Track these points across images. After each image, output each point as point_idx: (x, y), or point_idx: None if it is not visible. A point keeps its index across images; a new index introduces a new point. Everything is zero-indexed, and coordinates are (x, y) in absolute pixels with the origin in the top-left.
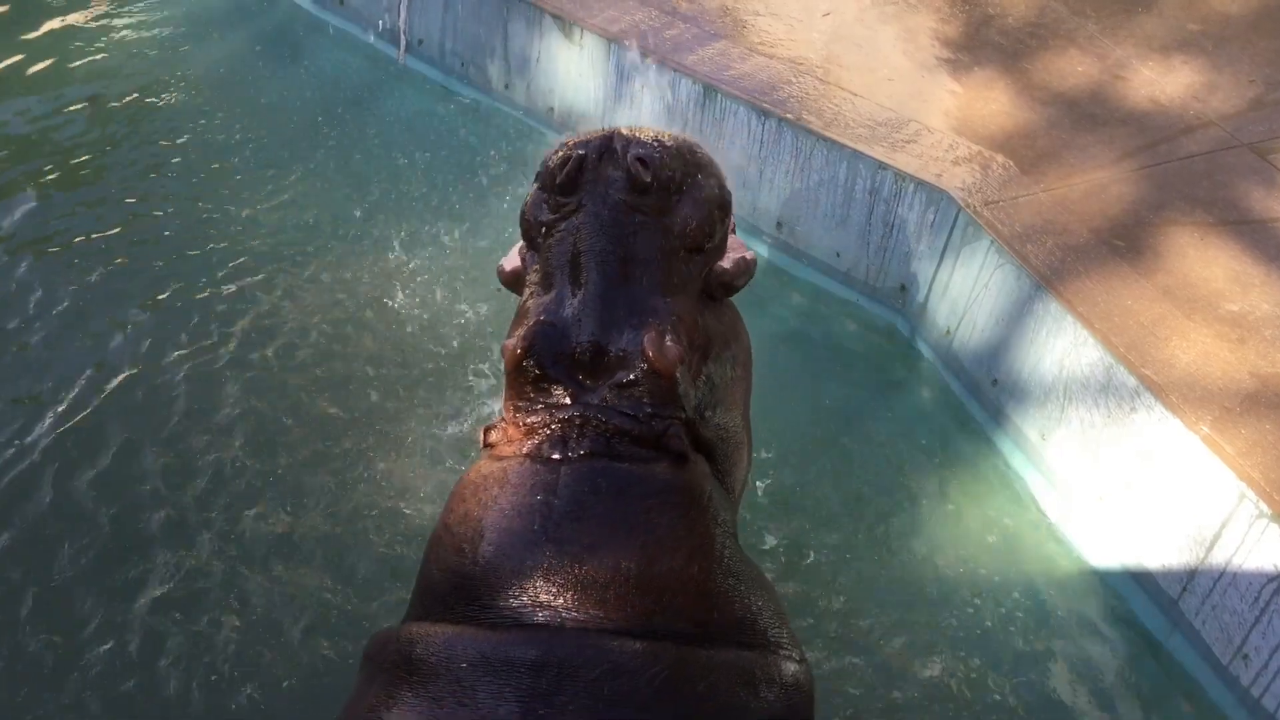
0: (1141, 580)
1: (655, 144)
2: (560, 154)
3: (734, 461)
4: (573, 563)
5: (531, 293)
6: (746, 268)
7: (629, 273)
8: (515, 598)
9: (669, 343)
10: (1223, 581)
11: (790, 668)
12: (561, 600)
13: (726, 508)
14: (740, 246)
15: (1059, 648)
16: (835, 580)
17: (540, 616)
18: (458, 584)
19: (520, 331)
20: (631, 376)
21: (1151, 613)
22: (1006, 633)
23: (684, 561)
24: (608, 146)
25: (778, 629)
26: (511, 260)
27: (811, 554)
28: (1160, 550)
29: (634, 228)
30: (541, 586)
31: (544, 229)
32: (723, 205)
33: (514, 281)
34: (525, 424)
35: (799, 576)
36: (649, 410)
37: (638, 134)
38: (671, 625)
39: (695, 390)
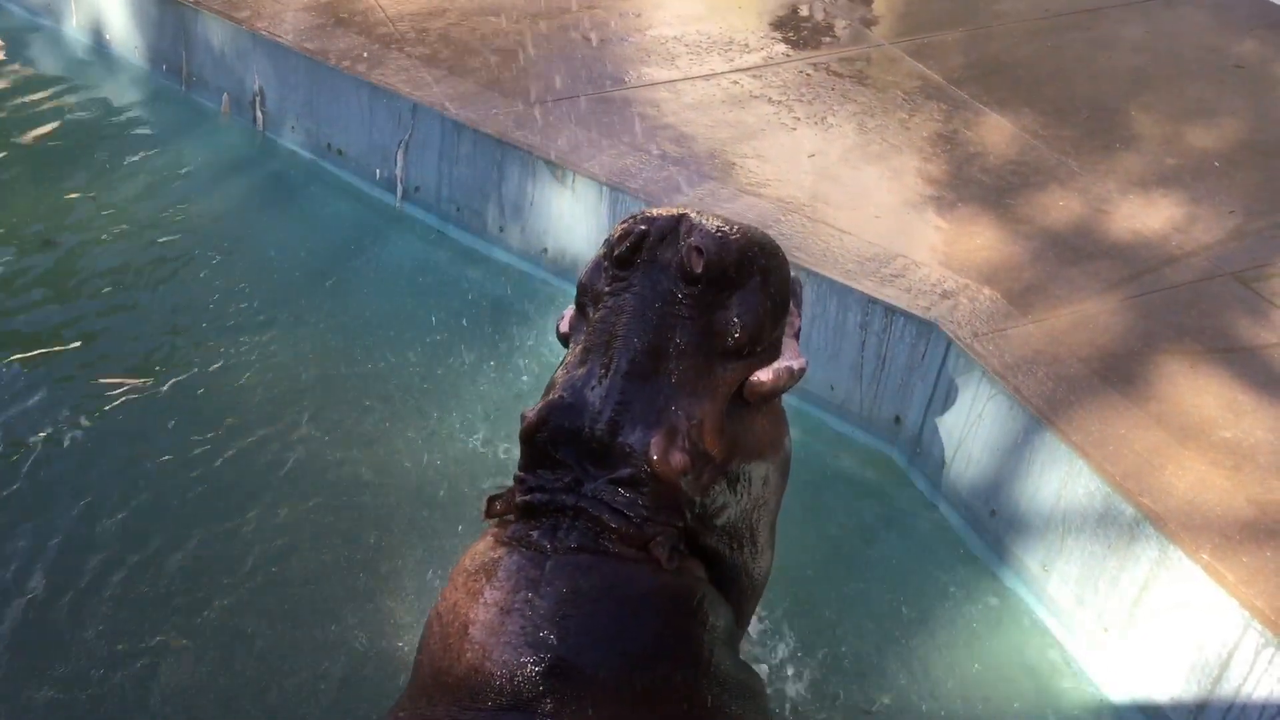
0: (1150, 713)
1: (718, 235)
2: (626, 225)
3: (741, 571)
4: (551, 669)
5: (566, 363)
6: (789, 378)
7: (658, 366)
8: (493, 703)
9: (677, 449)
10: (1232, 712)
11: None
12: (539, 707)
13: (723, 614)
14: (792, 352)
15: None
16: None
17: None
18: (442, 680)
19: (541, 403)
20: (632, 474)
21: None
22: None
23: (666, 671)
24: (672, 228)
25: None
26: (566, 321)
27: (808, 687)
28: (1168, 681)
29: (674, 319)
30: (519, 691)
31: (595, 300)
32: (779, 311)
33: (567, 343)
34: (525, 503)
35: (794, 710)
36: (644, 513)
37: (705, 221)
38: None
39: (701, 499)
